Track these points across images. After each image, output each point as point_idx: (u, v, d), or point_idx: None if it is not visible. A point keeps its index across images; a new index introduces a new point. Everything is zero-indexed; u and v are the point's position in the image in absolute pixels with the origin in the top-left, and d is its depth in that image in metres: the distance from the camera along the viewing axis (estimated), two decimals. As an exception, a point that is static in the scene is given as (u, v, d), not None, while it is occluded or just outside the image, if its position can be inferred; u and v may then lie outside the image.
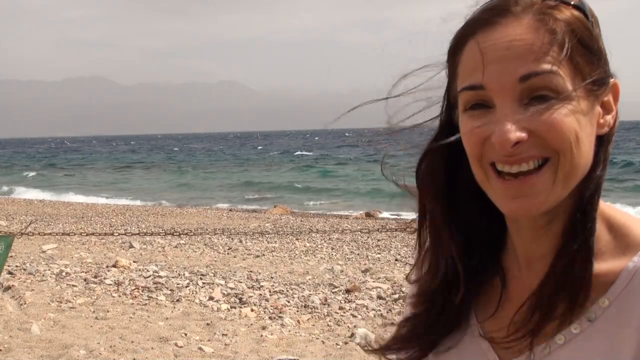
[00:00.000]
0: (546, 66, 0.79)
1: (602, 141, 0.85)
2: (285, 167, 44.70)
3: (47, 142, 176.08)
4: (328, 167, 41.56)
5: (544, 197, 0.81)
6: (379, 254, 10.03)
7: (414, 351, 0.97)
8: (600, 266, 0.84)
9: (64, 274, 7.88)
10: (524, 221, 0.88)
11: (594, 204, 0.84)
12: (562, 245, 0.84)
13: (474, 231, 0.94)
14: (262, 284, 7.60)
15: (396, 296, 6.96)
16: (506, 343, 0.87)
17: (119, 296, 6.95)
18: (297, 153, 65.35)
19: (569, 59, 0.80)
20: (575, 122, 0.79)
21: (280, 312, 6.39)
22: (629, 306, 0.81)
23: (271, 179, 35.27)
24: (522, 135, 0.79)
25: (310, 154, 62.39)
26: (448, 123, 0.92)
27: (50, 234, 7.40)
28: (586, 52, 0.82)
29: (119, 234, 7.51)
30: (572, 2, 0.82)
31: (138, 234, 7.62)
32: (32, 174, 42.44)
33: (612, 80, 0.85)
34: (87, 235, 7.59)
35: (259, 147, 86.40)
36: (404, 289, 7.15)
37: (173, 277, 7.86)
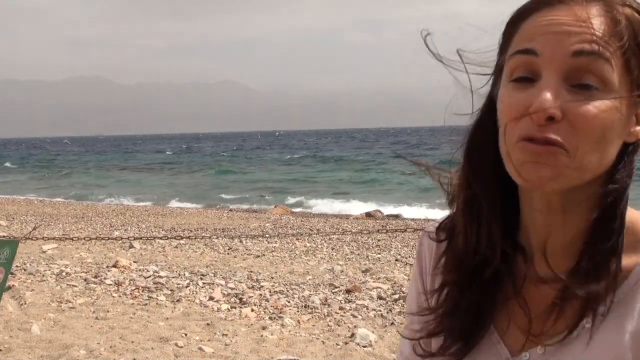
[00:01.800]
0: (601, 49, 0.78)
1: (627, 148, 0.85)
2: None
3: (30, 142, 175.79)
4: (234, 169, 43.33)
5: (558, 171, 0.80)
6: (379, 254, 10.02)
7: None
8: None
9: (64, 274, 7.88)
10: (538, 202, 0.87)
11: (619, 205, 0.84)
12: (589, 244, 0.84)
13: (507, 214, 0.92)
14: (262, 284, 7.60)
15: (396, 296, 6.95)
16: (518, 337, 0.89)
17: (119, 296, 6.95)
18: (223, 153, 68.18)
19: (623, 55, 0.80)
20: (609, 120, 0.79)
21: (280, 312, 6.39)
22: (633, 300, 0.84)
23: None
24: (558, 113, 0.78)
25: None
26: (491, 98, 0.91)
27: (53, 238, 7.41)
28: None
29: (121, 238, 7.53)
30: (634, 5, 0.83)
31: (140, 238, 7.64)
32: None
33: None
34: (89, 239, 7.61)
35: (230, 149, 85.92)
36: (404, 289, 7.14)
37: (173, 277, 7.86)
